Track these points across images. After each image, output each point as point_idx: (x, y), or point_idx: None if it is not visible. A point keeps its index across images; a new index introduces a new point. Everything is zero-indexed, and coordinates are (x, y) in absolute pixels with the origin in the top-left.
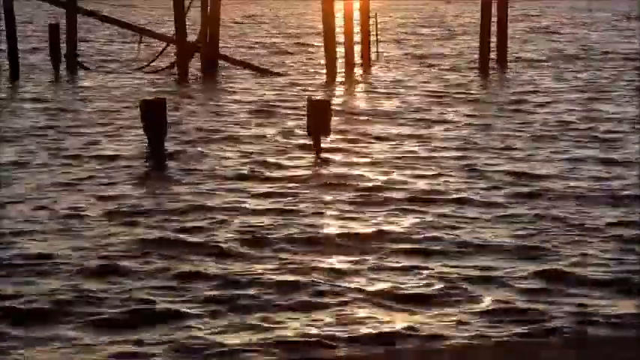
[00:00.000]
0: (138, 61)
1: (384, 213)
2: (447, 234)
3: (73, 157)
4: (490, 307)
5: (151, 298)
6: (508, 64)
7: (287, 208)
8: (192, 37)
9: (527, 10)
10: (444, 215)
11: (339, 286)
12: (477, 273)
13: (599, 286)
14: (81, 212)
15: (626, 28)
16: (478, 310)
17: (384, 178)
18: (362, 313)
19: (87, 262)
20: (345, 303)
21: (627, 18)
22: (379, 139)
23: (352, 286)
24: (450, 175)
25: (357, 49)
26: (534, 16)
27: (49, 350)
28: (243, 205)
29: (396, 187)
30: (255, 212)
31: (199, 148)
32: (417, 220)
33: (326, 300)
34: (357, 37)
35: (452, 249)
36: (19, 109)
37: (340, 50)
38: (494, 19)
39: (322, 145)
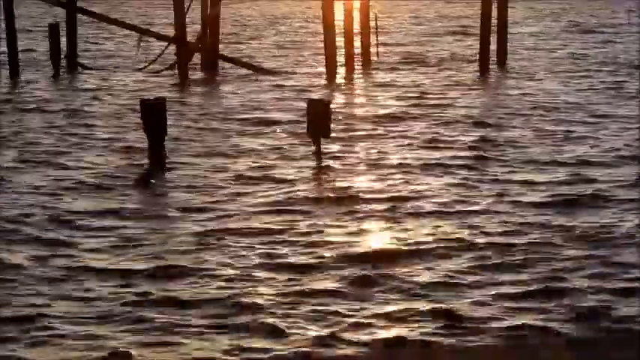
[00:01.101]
0: (138, 61)
1: (385, 214)
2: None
3: (72, 158)
4: None
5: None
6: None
7: (286, 208)
8: (191, 37)
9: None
10: (445, 214)
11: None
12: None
13: None
14: (79, 213)
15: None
16: None
17: (385, 179)
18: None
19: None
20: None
21: (628, 12)
22: (379, 139)
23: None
24: (450, 176)
25: (357, 49)
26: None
27: None
28: (245, 207)
29: (397, 188)
30: (254, 213)
31: (199, 148)
32: (417, 220)
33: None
34: (357, 38)
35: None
36: (18, 109)
37: (340, 51)
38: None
39: (322, 146)
